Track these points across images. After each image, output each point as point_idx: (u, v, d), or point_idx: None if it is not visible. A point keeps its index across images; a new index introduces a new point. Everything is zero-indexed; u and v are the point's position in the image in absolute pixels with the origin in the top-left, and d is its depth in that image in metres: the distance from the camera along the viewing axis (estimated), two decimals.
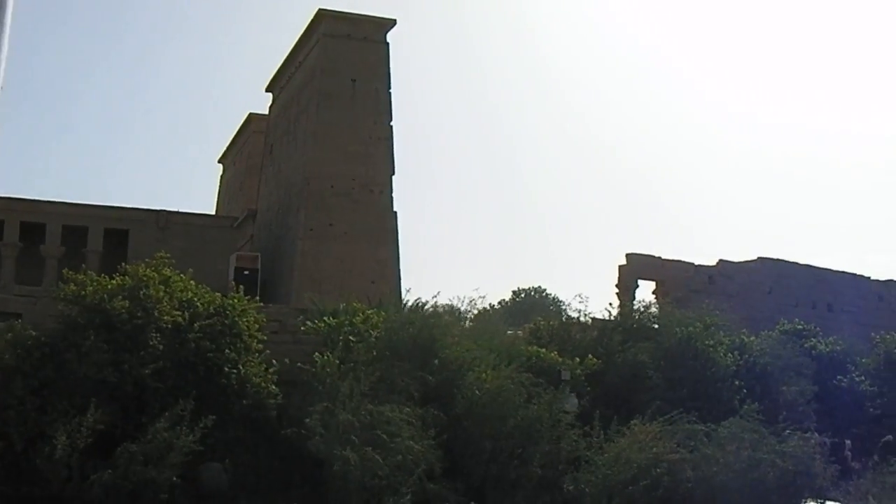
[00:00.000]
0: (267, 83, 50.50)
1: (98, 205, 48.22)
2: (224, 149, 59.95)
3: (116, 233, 47.10)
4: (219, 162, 61.59)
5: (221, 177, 61.47)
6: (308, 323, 30.48)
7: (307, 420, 24.88)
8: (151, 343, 25.69)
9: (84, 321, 25.91)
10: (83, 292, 26.50)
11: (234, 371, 26.65)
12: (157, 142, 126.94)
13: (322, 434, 24.49)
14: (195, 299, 27.94)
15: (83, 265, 29.94)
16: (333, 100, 40.98)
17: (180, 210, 49.14)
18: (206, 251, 45.91)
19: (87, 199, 58.91)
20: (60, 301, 27.10)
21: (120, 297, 26.28)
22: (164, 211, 48.76)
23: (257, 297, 31.30)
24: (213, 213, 55.24)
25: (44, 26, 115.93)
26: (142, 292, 26.58)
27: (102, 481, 22.52)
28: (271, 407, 26.79)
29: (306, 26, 46.23)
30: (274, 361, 27.98)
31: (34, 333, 25.75)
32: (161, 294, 26.80)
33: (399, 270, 40.98)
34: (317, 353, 27.80)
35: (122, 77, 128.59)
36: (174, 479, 23.49)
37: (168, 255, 29.21)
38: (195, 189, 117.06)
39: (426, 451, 24.55)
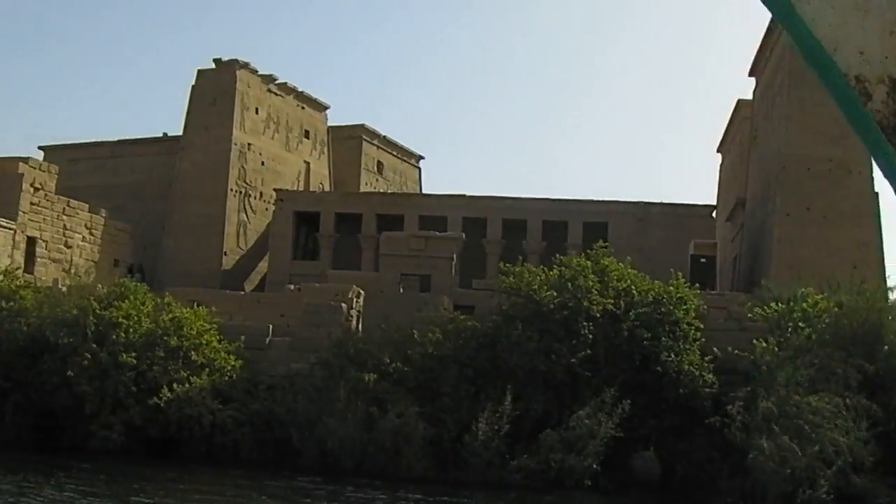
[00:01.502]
0: (749, 67, 55.66)
1: (579, 199, 57.37)
2: (720, 137, 66.18)
3: (596, 226, 55.81)
4: (717, 151, 67.96)
5: (720, 165, 67.68)
6: (756, 310, 35.65)
7: (728, 408, 30.59)
8: (583, 332, 33.02)
9: (517, 312, 34.26)
10: (519, 284, 34.93)
11: (670, 359, 32.84)
12: (651, 134, 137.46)
13: (742, 423, 30.04)
14: (632, 288, 34.91)
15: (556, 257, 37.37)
16: (806, 79, 45.09)
17: (661, 201, 56.59)
18: (685, 241, 52.84)
19: (565, 194, 68.77)
20: (500, 293, 35.90)
21: (550, 287, 34.19)
22: (643, 202, 56.55)
23: (704, 286, 37.31)
24: (714, 203, 61.38)
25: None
26: (573, 282, 34.18)
27: (523, 467, 30.23)
28: (706, 396, 32.55)
29: None
30: (715, 349, 33.91)
31: (473, 324, 34.69)
32: (592, 283, 34.13)
33: (882, 254, 44.03)
34: (755, 340, 33.24)
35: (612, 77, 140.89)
36: (594, 466, 30.36)
37: (605, 245, 36.65)
38: (695, 179, 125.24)
39: (852, 444, 28.84)
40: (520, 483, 30.00)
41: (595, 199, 57.88)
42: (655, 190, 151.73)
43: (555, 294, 33.65)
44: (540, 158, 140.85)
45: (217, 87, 62.93)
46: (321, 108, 71.71)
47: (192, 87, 64.22)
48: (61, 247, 52.15)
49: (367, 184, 74.91)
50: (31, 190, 49.75)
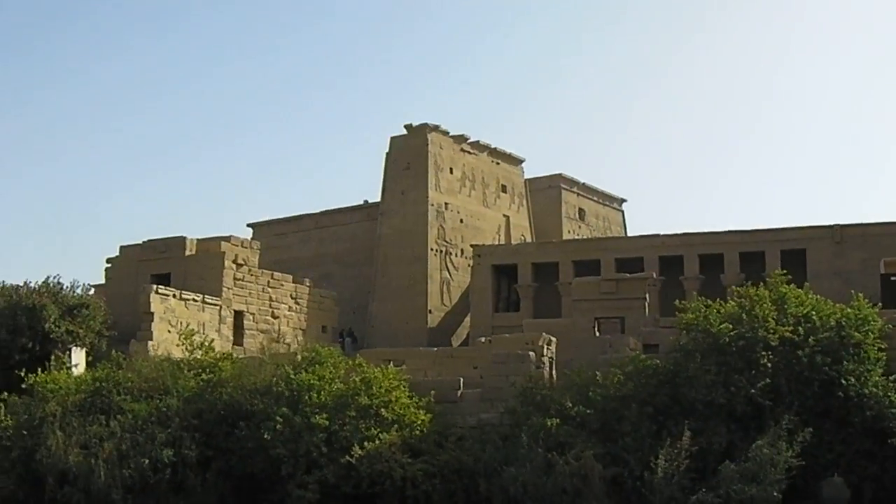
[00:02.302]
0: None
1: (773, 228, 56.45)
2: None
3: (793, 253, 54.76)
4: None
5: None
6: None
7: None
8: (761, 361, 32.60)
9: (694, 346, 34.08)
10: (696, 319, 34.72)
11: (852, 383, 32.04)
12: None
13: None
14: (812, 313, 34.21)
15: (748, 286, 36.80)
16: None
17: (857, 222, 55.05)
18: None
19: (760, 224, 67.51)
20: (680, 329, 35.74)
21: (727, 319, 33.85)
22: (839, 225, 55.10)
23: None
24: None
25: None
26: (749, 313, 33.77)
27: (702, 501, 29.91)
28: (893, 417, 31.55)
29: None
30: None
31: (654, 362, 34.65)
32: (768, 312, 33.62)
33: None
34: None
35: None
36: (775, 494, 29.82)
37: (784, 273, 36.09)
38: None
39: None
40: None
41: (790, 226, 56.71)
42: (852, 210, 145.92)
43: (730, 326, 33.29)
44: (743, 188, 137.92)
45: (410, 152, 65.19)
46: (516, 161, 72.97)
47: (387, 153, 66.72)
48: (268, 318, 54.87)
49: (569, 231, 75.62)
50: (234, 267, 52.55)
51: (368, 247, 67.07)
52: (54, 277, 46.57)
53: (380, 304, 64.57)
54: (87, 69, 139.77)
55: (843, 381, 32.00)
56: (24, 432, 36.50)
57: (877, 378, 32.29)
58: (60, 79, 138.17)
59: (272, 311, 55.41)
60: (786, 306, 34.49)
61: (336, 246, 70.85)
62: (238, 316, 53.13)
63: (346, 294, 66.10)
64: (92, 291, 47.71)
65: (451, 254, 65.21)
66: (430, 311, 62.93)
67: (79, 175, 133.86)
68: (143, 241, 54.40)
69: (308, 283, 58.43)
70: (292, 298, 56.92)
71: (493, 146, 71.00)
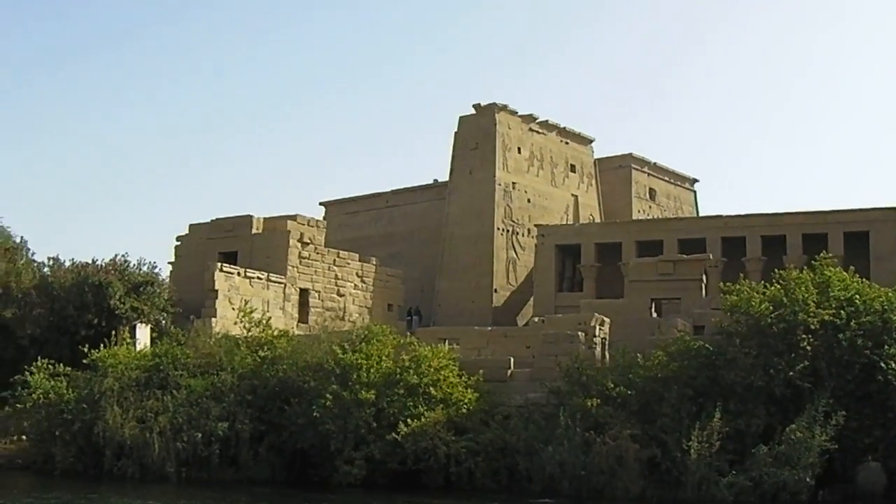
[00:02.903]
0: None
1: (836, 210, 55.86)
2: None
3: (857, 235, 54.16)
4: None
5: None
6: None
7: None
8: (801, 345, 32.52)
9: (735, 329, 34.13)
10: (738, 301, 34.73)
11: (893, 368, 31.82)
12: None
13: None
14: (855, 297, 33.99)
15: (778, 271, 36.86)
16: None
17: None
18: None
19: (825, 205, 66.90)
20: (724, 311, 35.78)
21: (768, 301, 33.82)
22: None
23: None
24: None
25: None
26: (790, 295, 33.70)
27: (734, 483, 30.14)
28: None
29: None
30: None
31: (698, 344, 34.73)
32: (809, 295, 33.51)
33: None
34: None
35: None
36: (807, 479, 29.88)
37: (832, 255, 35.86)
38: None
39: None
40: (732, 499, 29.97)
41: (853, 208, 56.10)
42: None
43: (771, 308, 33.24)
44: (816, 168, 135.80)
45: (478, 132, 65.61)
46: (586, 141, 72.97)
47: (455, 133, 67.24)
48: (334, 296, 55.86)
49: (639, 211, 75.43)
50: (300, 245, 53.55)
51: (437, 226, 67.72)
52: (122, 255, 48.00)
53: (446, 283, 65.24)
54: (155, 42, 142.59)
55: (884, 366, 31.77)
56: (85, 406, 37.96)
57: None
58: (125, 55, 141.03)
59: (338, 290, 56.37)
60: (829, 289, 34.25)
61: (406, 224, 71.67)
62: (303, 294, 54.15)
63: (415, 272, 66.91)
64: (159, 269, 48.96)
65: (517, 233, 65.60)
66: (495, 291, 63.45)
67: (159, 153, 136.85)
68: (212, 220, 55.63)
69: (374, 262, 59.25)
70: (358, 277, 57.80)
71: (562, 125, 71.10)
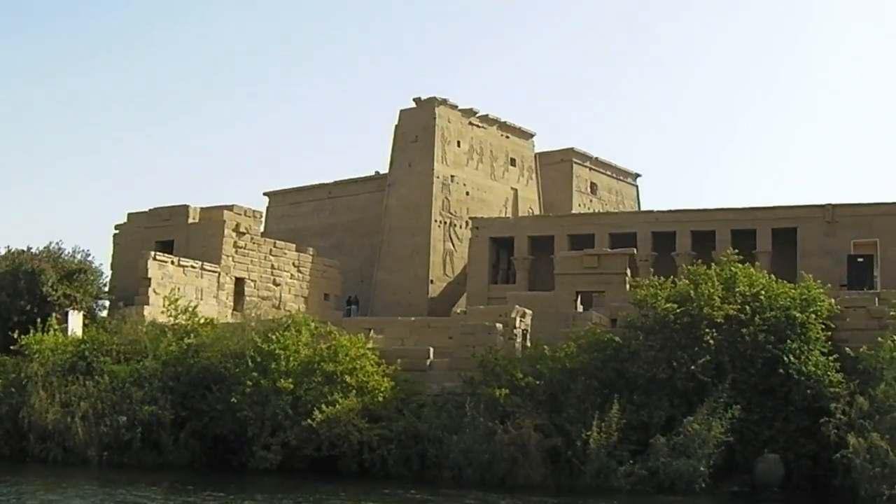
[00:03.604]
0: None
1: (765, 206, 56.90)
2: None
3: (784, 231, 55.19)
4: None
5: None
6: None
7: (832, 406, 30.42)
8: (705, 339, 33.32)
9: (640, 322, 34.93)
10: (645, 296, 35.53)
11: (793, 362, 32.61)
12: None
13: (844, 421, 29.90)
14: (761, 293, 34.81)
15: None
16: None
17: (850, 202, 55.29)
18: (882, 240, 51.57)
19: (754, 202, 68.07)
20: (634, 305, 36.57)
21: (673, 297, 34.62)
22: (830, 204, 55.37)
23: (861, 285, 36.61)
24: None
25: None
26: (696, 291, 34.49)
27: (631, 472, 30.91)
28: (831, 396, 32.11)
29: None
30: (848, 349, 33.39)
31: (607, 337, 35.49)
32: (713, 291, 34.32)
33: None
34: (881, 337, 32.68)
35: None
36: (702, 469, 30.71)
37: (736, 253, 36.84)
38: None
39: None
40: (629, 488, 30.68)
41: (782, 204, 57.08)
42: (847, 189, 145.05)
43: (674, 306, 34.02)
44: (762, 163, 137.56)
45: (418, 125, 66.27)
46: (526, 135, 73.71)
47: (396, 126, 67.88)
48: (270, 285, 56.24)
49: (579, 205, 76.28)
50: (236, 235, 53.95)
51: (378, 217, 68.21)
52: (56, 243, 48.30)
53: (384, 273, 65.83)
54: (97, 22, 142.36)
55: (785, 360, 32.55)
56: (12, 390, 38.40)
57: (817, 357, 32.79)
58: (65, 35, 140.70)
59: (274, 279, 56.75)
60: (735, 285, 35.05)
61: (348, 215, 72.10)
62: (239, 283, 54.52)
63: (357, 263, 67.54)
64: (92, 258, 49.22)
65: (455, 225, 66.23)
66: (431, 282, 64.08)
67: (102, 141, 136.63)
68: (149, 209, 55.87)
69: (311, 252, 59.66)
70: (295, 266, 58.20)
71: (502, 120, 71.77)
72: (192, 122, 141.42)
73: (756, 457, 32.29)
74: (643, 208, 78.26)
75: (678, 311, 34.04)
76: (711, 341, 33.14)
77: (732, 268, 36.03)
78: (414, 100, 67.42)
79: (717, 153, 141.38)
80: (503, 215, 68.62)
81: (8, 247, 48.30)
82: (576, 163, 77.92)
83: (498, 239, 63.63)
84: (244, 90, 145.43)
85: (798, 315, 33.76)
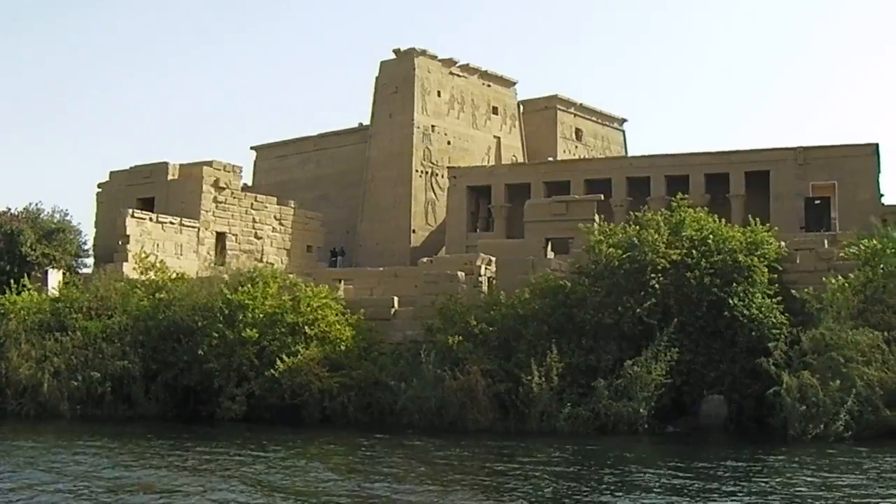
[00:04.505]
0: None
1: (738, 150, 57.35)
2: None
3: (757, 175, 55.71)
4: None
5: None
6: (850, 249, 35.45)
7: (770, 345, 31.19)
8: (651, 283, 34.00)
9: (588, 269, 35.63)
10: (593, 242, 36.20)
11: (737, 304, 33.25)
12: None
13: (782, 359, 30.65)
14: (709, 237, 35.42)
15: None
16: None
17: (820, 144, 55.66)
18: (848, 182, 52.00)
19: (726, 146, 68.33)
20: (584, 251, 37.22)
21: (619, 243, 35.29)
22: (801, 147, 55.73)
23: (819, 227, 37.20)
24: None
25: None
26: (640, 237, 35.13)
27: (572, 415, 31.72)
28: (774, 337, 32.77)
29: None
30: (794, 291, 34.03)
31: (558, 283, 36.16)
32: (658, 237, 34.95)
33: None
34: (826, 278, 33.36)
35: None
36: (641, 411, 31.53)
37: (685, 198, 37.45)
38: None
39: (885, 378, 28.80)
40: (571, 430, 31.42)
41: (754, 148, 57.49)
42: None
43: (619, 251, 34.65)
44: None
45: (398, 76, 66.76)
46: (508, 83, 74.04)
47: (376, 78, 68.34)
48: (251, 238, 57.15)
49: (564, 151, 76.75)
50: (215, 190, 54.76)
51: (362, 168, 68.94)
52: (35, 204, 49.25)
53: (367, 225, 66.68)
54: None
55: (731, 302, 33.15)
56: None
57: (760, 300, 33.42)
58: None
59: (255, 232, 57.65)
60: (682, 230, 35.63)
61: (333, 168, 72.84)
62: (220, 237, 55.41)
63: (342, 214, 68.36)
64: (70, 217, 50.24)
65: (437, 175, 66.88)
66: (413, 231, 64.89)
67: (87, 97, 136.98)
68: (130, 168, 56.71)
69: (293, 205, 60.48)
70: (276, 220, 59.06)
71: (483, 69, 72.09)
72: (176, 77, 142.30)
73: (702, 398, 33.03)
74: (630, 153, 78.69)
75: (623, 256, 34.65)
76: (657, 285, 33.71)
77: (682, 213, 36.51)
78: (394, 51, 67.87)
79: (707, 96, 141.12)
80: (486, 164, 69.13)
81: None
82: (560, 109, 78.27)
83: (477, 188, 64.30)
84: (227, 46, 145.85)
85: (743, 259, 34.31)
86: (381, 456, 27.80)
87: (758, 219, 36.92)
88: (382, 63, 68.38)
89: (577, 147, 78.55)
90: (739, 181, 56.47)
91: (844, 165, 54.35)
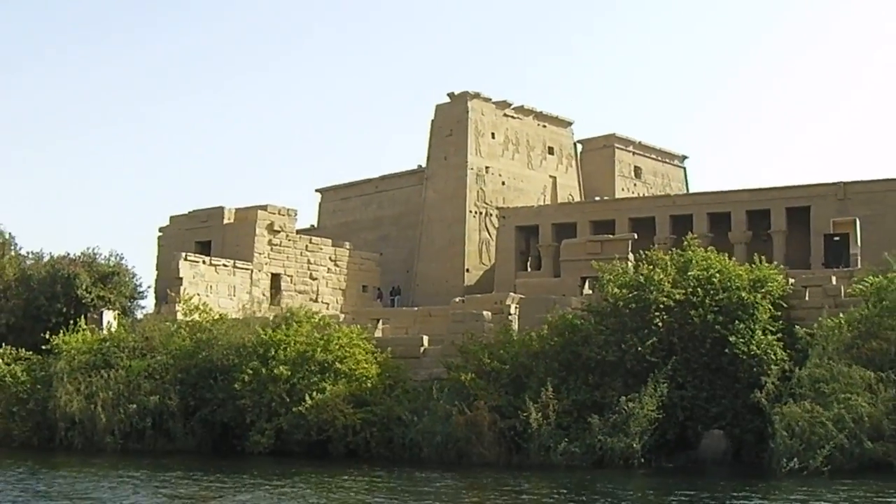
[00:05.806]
0: None
1: (779, 186, 57.86)
2: None
3: (798, 210, 56.15)
4: None
5: None
6: (857, 286, 36.07)
7: (763, 379, 32.05)
8: (655, 322, 35.07)
9: (597, 307, 36.81)
10: (600, 282, 37.41)
11: (739, 341, 34.13)
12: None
13: (773, 393, 31.58)
14: (714, 276, 36.34)
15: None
16: None
17: (862, 179, 55.82)
18: (889, 217, 52.28)
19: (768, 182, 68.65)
20: (596, 290, 38.45)
21: (628, 282, 36.43)
22: (842, 182, 56.00)
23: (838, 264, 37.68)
24: None
25: None
26: (647, 277, 36.23)
27: (568, 450, 32.78)
28: (776, 374, 33.43)
29: None
30: (797, 327, 34.74)
31: (572, 321, 37.35)
32: (664, 276, 35.99)
33: None
34: (821, 316, 34.06)
35: None
36: (634, 445, 32.52)
37: (695, 238, 38.39)
38: None
39: (872, 412, 29.51)
40: (566, 464, 32.48)
41: (795, 184, 57.91)
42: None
43: (625, 292, 35.78)
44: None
45: (452, 119, 68.65)
46: (564, 123, 75.41)
47: (432, 121, 70.30)
48: (307, 279, 59.28)
49: (622, 190, 77.73)
50: (269, 233, 57.12)
51: (420, 209, 70.84)
52: (92, 248, 52.19)
53: (423, 264, 68.45)
54: (145, 31, 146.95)
55: (733, 340, 34.01)
56: (39, 386, 42.08)
57: (759, 336, 34.20)
58: (111, 50, 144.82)
59: (310, 273, 59.78)
60: (687, 269, 36.58)
61: (393, 209, 74.83)
62: (275, 279, 57.65)
63: (402, 254, 70.31)
64: (125, 261, 52.97)
65: (491, 215, 68.44)
66: (467, 270, 66.47)
67: (149, 145, 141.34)
68: (189, 212, 59.40)
69: (348, 246, 62.53)
70: (331, 261, 61.14)
71: (538, 110, 73.59)
72: (243, 122, 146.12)
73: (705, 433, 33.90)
74: (692, 190, 79.30)
75: (629, 296, 35.77)
76: (661, 324, 34.73)
77: (690, 252, 37.47)
78: (448, 94, 69.77)
79: (765, 131, 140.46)
80: (541, 203, 70.48)
81: (50, 253, 52.32)
82: (618, 147, 79.30)
83: (526, 227, 65.64)
84: (292, 90, 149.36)
85: (746, 296, 35.15)
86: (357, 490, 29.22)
87: (763, 256, 37.63)
88: (437, 106, 70.37)
89: (635, 185, 79.45)
90: (780, 217, 56.89)
91: (885, 200, 54.44)
